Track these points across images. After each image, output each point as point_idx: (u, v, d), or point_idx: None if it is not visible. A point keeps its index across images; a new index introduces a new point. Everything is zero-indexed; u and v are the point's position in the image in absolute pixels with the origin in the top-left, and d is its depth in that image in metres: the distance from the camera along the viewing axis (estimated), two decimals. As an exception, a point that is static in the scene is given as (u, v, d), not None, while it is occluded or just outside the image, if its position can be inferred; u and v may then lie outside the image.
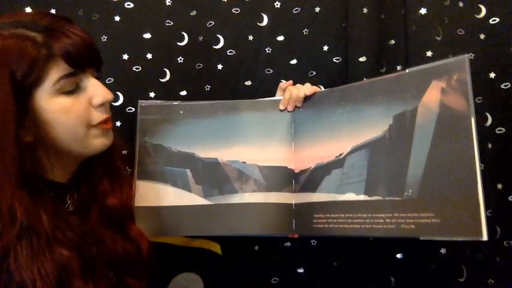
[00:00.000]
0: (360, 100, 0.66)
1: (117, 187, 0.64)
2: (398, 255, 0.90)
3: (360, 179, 0.63)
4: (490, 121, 0.91)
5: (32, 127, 0.53)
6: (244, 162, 0.72)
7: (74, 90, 0.55)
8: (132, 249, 0.61)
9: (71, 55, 0.53)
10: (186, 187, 0.72)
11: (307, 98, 0.73)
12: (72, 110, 0.55)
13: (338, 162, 0.66)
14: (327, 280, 0.94)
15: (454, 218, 0.53)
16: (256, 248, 0.93)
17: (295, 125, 0.73)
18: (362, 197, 0.62)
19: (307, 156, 0.70)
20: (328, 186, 0.66)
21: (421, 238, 0.56)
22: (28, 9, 0.90)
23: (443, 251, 0.88)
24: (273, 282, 0.94)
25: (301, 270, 0.94)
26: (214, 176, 0.72)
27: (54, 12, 0.54)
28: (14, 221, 0.49)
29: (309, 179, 0.69)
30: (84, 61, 0.55)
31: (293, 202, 0.70)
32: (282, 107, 0.74)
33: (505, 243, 0.90)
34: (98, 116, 0.58)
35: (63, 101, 0.54)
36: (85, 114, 0.56)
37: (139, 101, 0.76)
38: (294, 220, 0.69)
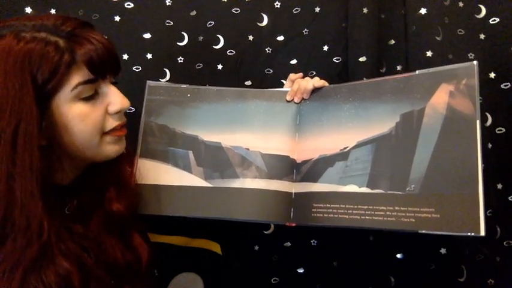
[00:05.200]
0: (368, 97, 0.67)
1: (123, 196, 0.63)
2: (398, 255, 0.90)
3: (364, 173, 0.64)
4: (490, 121, 0.91)
5: (47, 131, 0.52)
6: (248, 149, 0.72)
7: (92, 96, 0.54)
8: (133, 258, 0.61)
9: (94, 62, 0.52)
10: (186, 168, 0.72)
11: (314, 92, 0.73)
12: (89, 117, 0.54)
13: (342, 155, 0.67)
14: (327, 280, 0.94)
15: (454, 214, 0.55)
16: (256, 248, 0.93)
17: (300, 117, 0.73)
18: (364, 190, 0.63)
19: (310, 147, 0.71)
20: (330, 178, 0.67)
21: (419, 231, 0.57)
22: (28, 9, 0.90)
23: (443, 251, 0.88)
24: (273, 282, 0.94)
25: (301, 270, 0.94)
26: (216, 160, 0.72)
27: (63, 14, 0.53)
28: (40, 236, 0.49)
29: (311, 170, 0.69)
30: (105, 68, 0.55)
31: (293, 191, 0.70)
32: (289, 98, 0.74)
33: (505, 243, 0.91)
34: (112, 122, 0.57)
35: (81, 107, 0.53)
36: (101, 121, 0.56)
37: (147, 81, 0.77)
38: (292, 209, 0.69)
